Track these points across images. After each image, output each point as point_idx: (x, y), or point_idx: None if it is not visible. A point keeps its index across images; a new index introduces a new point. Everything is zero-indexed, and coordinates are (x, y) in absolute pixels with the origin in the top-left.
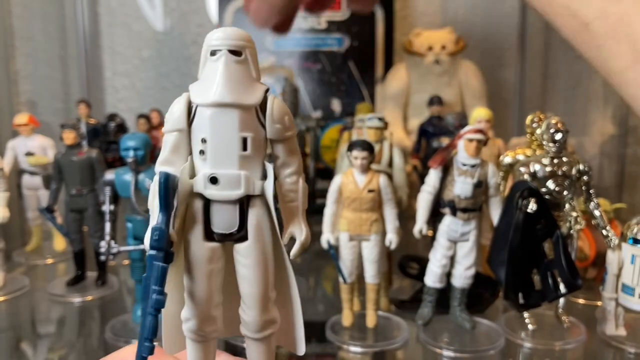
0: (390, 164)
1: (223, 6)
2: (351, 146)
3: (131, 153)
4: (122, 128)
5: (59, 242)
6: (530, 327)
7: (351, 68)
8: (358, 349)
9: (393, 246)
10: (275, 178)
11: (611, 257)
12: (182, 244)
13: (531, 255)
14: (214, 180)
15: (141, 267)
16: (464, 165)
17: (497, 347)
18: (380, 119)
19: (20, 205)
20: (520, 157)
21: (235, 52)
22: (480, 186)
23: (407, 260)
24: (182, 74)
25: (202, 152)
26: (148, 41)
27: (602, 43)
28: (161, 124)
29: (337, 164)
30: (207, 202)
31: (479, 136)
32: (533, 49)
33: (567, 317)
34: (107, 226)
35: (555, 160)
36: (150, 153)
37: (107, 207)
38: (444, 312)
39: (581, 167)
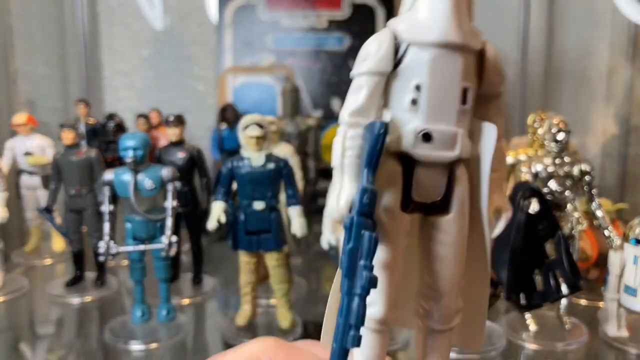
0: None
1: (223, 6)
2: None
3: (130, 153)
4: (121, 128)
5: (58, 243)
6: (531, 328)
7: (352, 67)
8: None
9: None
10: None
11: (613, 258)
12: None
13: (533, 256)
14: (427, 137)
15: (140, 267)
16: None
17: (499, 348)
18: None
19: (19, 205)
20: (522, 157)
21: None
22: None
23: None
24: (182, 73)
25: (414, 101)
26: (147, 40)
27: None
28: (160, 123)
29: None
30: (408, 164)
31: None
32: (535, 48)
33: (569, 318)
34: (106, 226)
35: (557, 160)
36: (149, 153)
37: (106, 208)
38: None
39: (583, 167)
